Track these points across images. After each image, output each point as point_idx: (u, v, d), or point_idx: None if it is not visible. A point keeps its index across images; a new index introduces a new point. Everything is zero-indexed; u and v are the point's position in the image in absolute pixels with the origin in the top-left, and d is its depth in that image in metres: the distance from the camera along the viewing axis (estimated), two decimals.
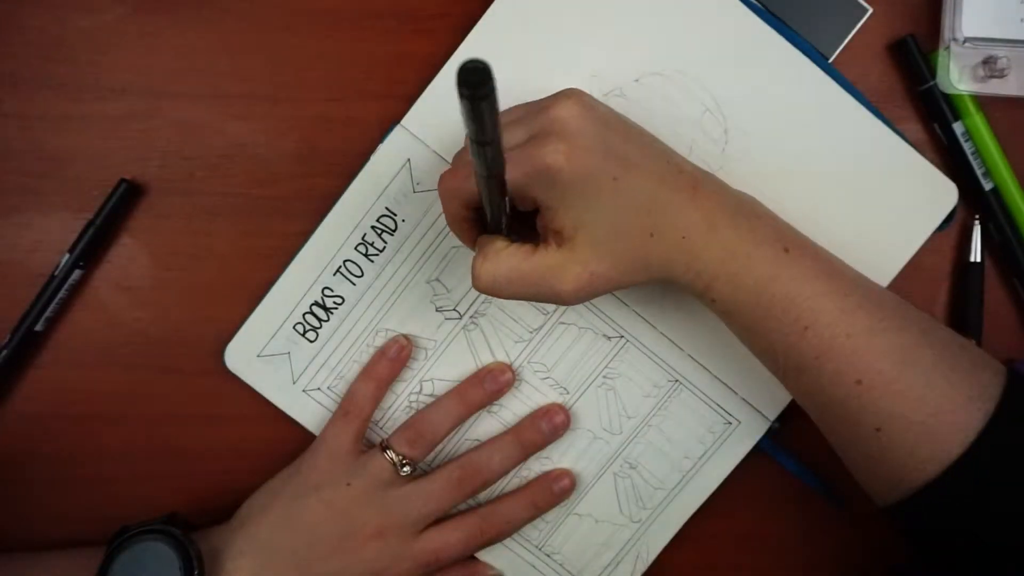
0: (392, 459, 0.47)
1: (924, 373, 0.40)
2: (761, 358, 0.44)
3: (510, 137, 0.40)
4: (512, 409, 0.50)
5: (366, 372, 0.49)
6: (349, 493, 0.47)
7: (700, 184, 0.42)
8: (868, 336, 0.41)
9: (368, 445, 0.49)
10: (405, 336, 0.49)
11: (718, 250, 0.41)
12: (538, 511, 0.50)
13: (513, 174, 0.38)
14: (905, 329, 0.41)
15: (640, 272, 0.42)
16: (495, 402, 0.50)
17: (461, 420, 0.49)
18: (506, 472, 0.49)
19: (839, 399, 0.41)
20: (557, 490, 0.50)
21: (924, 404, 0.40)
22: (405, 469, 0.47)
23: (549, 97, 0.41)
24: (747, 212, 0.43)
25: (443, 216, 0.48)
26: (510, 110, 0.43)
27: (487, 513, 0.49)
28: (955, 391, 0.40)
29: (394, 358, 0.49)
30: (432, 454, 0.49)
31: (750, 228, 0.42)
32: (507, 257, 0.41)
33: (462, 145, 0.46)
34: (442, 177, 0.42)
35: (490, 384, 0.49)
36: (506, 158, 0.35)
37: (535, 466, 0.51)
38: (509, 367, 0.50)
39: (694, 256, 0.41)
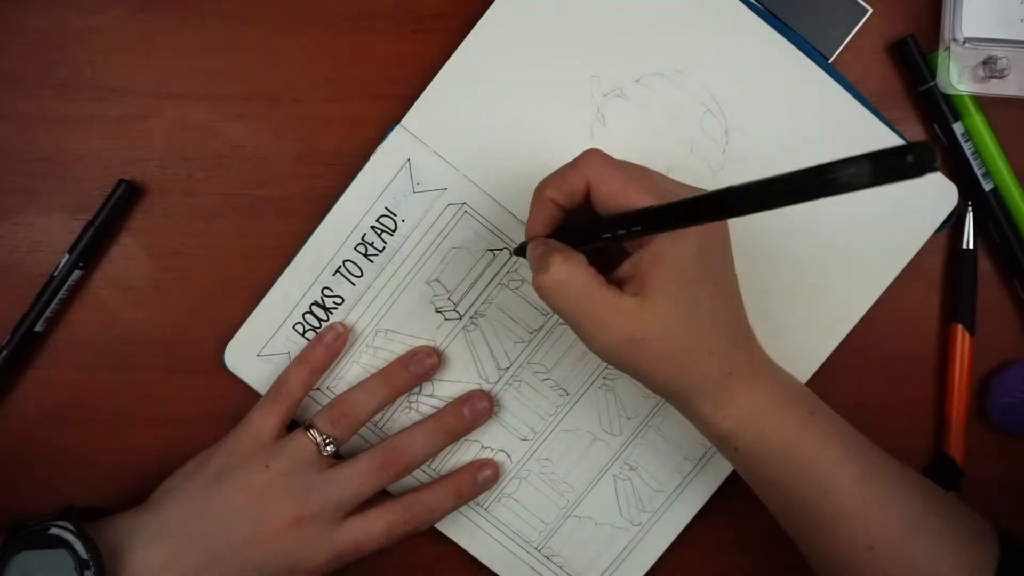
0: (315, 438, 0.47)
1: (932, 542, 0.42)
2: (775, 509, 0.45)
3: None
4: (512, 411, 0.50)
5: (301, 357, 0.49)
6: (267, 476, 0.46)
7: (752, 337, 0.44)
8: (881, 504, 0.42)
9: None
10: (342, 324, 0.49)
11: (755, 400, 0.42)
12: (461, 500, 0.49)
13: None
14: (912, 498, 0.43)
15: (669, 383, 0.41)
16: (489, 415, 0.50)
17: (386, 402, 0.49)
18: (428, 458, 0.49)
19: (850, 561, 0.42)
20: (481, 479, 0.50)
21: (932, 573, 0.41)
22: (328, 448, 0.47)
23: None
24: (778, 371, 0.44)
25: (442, 217, 0.49)
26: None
27: (411, 501, 0.48)
28: (960, 559, 0.42)
29: (330, 344, 0.49)
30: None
31: (783, 387, 0.43)
32: (586, 274, 0.40)
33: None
34: (547, 184, 0.41)
35: (415, 367, 0.49)
36: (656, 190, 0.38)
37: (535, 467, 0.51)
38: (436, 351, 0.49)
39: (730, 398, 0.42)
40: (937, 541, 0.42)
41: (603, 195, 0.39)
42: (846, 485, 0.42)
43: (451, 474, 0.50)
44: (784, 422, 0.42)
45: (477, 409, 0.49)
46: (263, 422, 0.47)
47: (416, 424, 0.49)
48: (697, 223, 0.35)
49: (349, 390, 0.49)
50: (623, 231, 0.38)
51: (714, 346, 0.41)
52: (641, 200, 0.38)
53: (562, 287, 0.39)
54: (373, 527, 0.47)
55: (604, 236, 0.39)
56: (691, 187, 0.41)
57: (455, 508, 0.49)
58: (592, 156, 0.40)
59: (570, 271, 0.39)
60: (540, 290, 0.40)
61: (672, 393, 0.42)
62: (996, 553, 0.42)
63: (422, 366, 0.49)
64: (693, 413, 0.43)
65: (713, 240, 0.41)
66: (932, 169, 0.24)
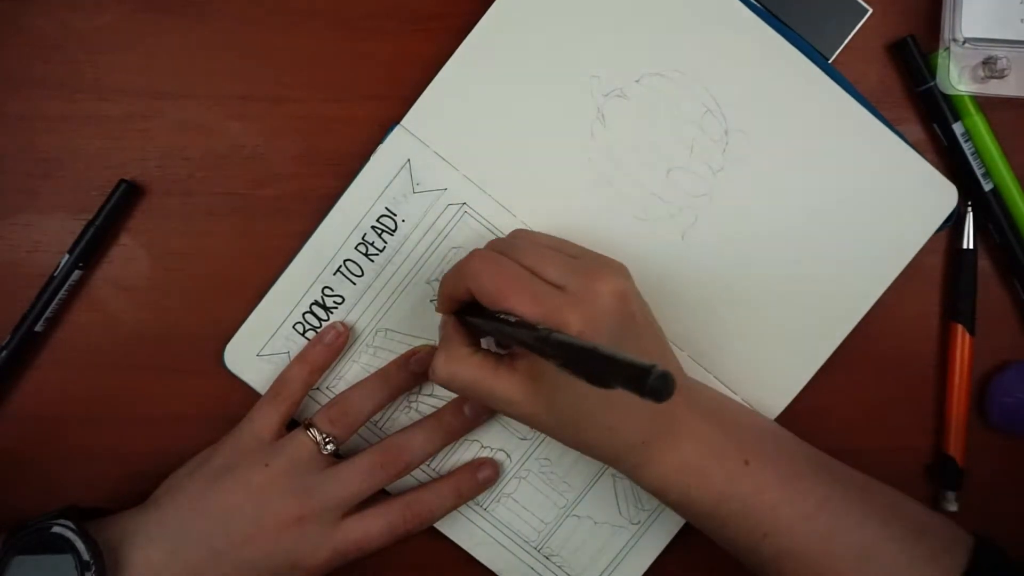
0: (314, 437, 0.47)
1: (884, 569, 0.42)
2: (724, 547, 0.45)
3: (546, 268, 0.41)
4: None
5: (301, 356, 0.49)
6: (267, 474, 0.46)
7: (681, 393, 0.43)
8: (826, 540, 0.43)
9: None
10: (343, 323, 0.49)
11: (678, 458, 0.43)
12: (461, 499, 0.49)
13: (532, 311, 0.39)
14: (866, 524, 0.43)
15: (583, 447, 0.43)
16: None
17: (385, 402, 0.49)
18: (428, 457, 0.49)
19: None
20: (480, 479, 0.50)
21: None
22: (328, 447, 0.47)
23: (599, 261, 0.43)
24: (717, 419, 0.44)
25: (442, 217, 0.49)
26: (560, 243, 0.45)
27: (410, 500, 0.48)
28: None
29: (330, 344, 0.49)
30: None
31: (711, 441, 0.43)
32: (468, 367, 0.42)
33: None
34: (445, 279, 0.44)
35: (415, 366, 0.49)
36: (532, 293, 0.39)
37: (535, 467, 0.51)
38: (435, 350, 0.49)
39: (649, 460, 0.42)
40: (892, 565, 0.42)
41: (484, 300, 0.40)
42: (786, 526, 0.43)
43: (451, 473, 0.50)
44: (710, 478, 0.43)
45: (477, 408, 0.49)
46: (263, 421, 0.47)
47: (416, 423, 0.49)
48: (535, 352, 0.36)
49: (349, 389, 0.49)
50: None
51: (616, 421, 0.41)
52: (518, 305, 0.39)
53: (450, 383, 0.43)
54: (373, 526, 0.47)
55: (499, 317, 0.40)
56: (572, 278, 0.40)
57: (455, 507, 0.49)
58: (472, 262, 0.41)
59: (453, 371, 0.42)
60: (434, 382, 0.43)
61: (591, 454, 0.44)
62: (963, 566, 0.42)
63: (422, 365, 0.49)
64: (618, 470, 0.44)
65: (614, 312, 0.40)
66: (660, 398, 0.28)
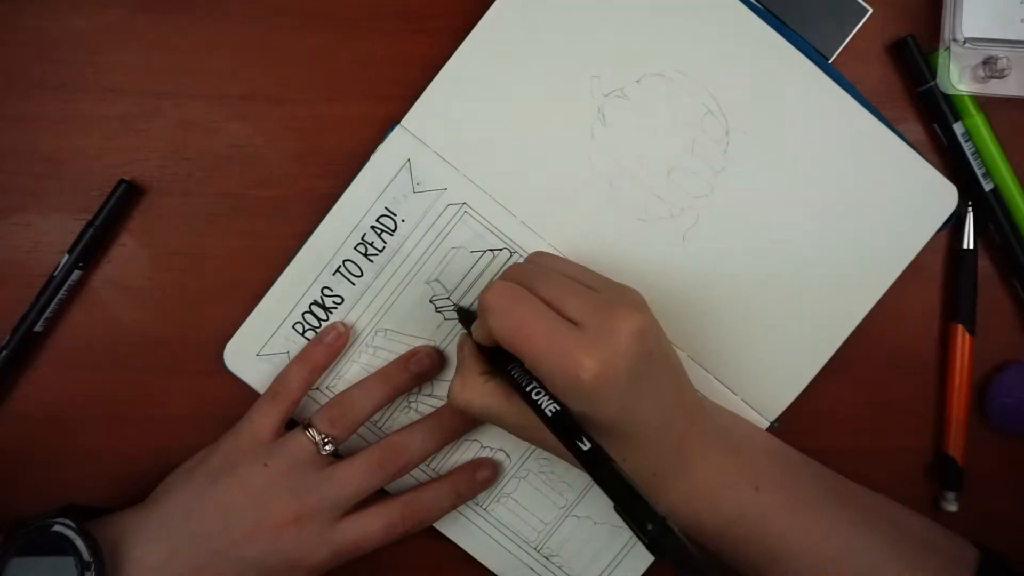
0: (313, 437, 0.47)
1: None
2: (730, 565, 0.46)
3: (566, 302, 0.40)
4: None
5: (301, 356, 0.49)
6: (266, 474, 0.46)
7: (694, 420, 0.44)
8: (835, 563, 0.43)
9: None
10: (343, 323, 0.49)
11: (686, 490, 0.43)
12: (460, 499, 0.49)
13: (544, 355, 0.39)
14: (873, 546, 0.44)
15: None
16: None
17: (385, 402, 0.49)
18: (427, 456, 0.49)
19: None
20: (479, 479, 0.50)
21: None
22: (327, 447, 0.47)
23: (618, 296, 0.42)
24: (728, 445, 0.45)
25: (442, 217, 0.49)
26: (581, 272, 0.44)
27: (409, 500, 0.48)
28: None
29: (330, 344, 0.49)
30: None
31: (722, 469, 0.44)
32: (483, 394, 0.43)
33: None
34: (465, 340, 0.45)
35: (415, 366, 0.49)
36: (549, 331, 0.39)
37: (534, 467, 0.51)
38: (436, 351, 0.49)
39: (658, 490, 0.43)
40: None
41: (499, 337, 0.40)
42: (795, 552, 0.43)
43: (450, 473, 0.50)
44: (720, 505, 0.43)
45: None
46: (262, 421, 0.47)
47: (415, 423, 0.49)
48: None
49: (348, 389, 0.49)
50: None
51: (628, 453, 0.41)
52: (533, 347, 0.39)
53: (468, 410, 0.43)
54: (372, 526, 0.47)
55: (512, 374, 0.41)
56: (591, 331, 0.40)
57: (453, 507, 0.50)
58: (490, 297, 0.41)
59: (469, 397, 0.43)
60: (452, 405, 0.44)
61: None
62: None
63: (422, 366, 0.49)
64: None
65: (632, 353, 0.40)
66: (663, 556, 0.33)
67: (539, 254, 0.47)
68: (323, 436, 0.47)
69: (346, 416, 0.47)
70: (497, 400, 0.42)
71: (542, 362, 0.39)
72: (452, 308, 0.49)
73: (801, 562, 0.43)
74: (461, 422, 0.49)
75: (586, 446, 0.37)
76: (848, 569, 0.43)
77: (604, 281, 0.43)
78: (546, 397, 0.39)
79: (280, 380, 0.48)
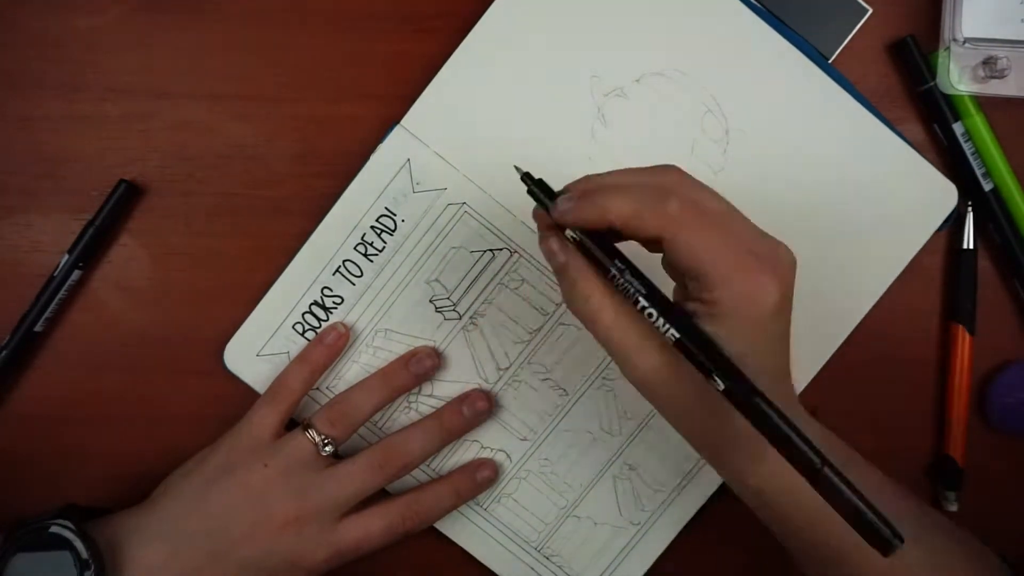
0: (313, 438, 0.46)
1: None
2: (792, 550, 0.43)
3: (739, 226, 0.36)
4: (511, 411, 0.50)
5: (301, 356, 0.49)
6: (266, 474, 0.46)
7: (791, 388, 0.41)
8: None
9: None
10: (344, 324, 0.49)
11: (779, 466, 0.37)
12: (460, 500, 0.49)
13: (732, 270, 0.34)
14: (927, 533, 0.42)
15: (695, 439, 0.40)
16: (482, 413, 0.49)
17: (385, 402, 0.48)
18: (427, 457, 0.49)
19: None
20: (479, 479, 0.50)
21: None
22: (327, 448, 0.46)
23: (770, 238, 0.37)
24: (814, 426, 0.42)
25: (442, 216, 0.49)
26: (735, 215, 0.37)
27: (410, 501, 0.48)
28: None
29: (331, 344, 0.49)
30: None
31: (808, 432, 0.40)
32: (609, 309, 0.36)
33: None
34: (629, 209, 0.35)
35: (415, 367, 0.49)
36: (738, 239, 0.35)
37: (535, 467, 0.51)
38: (435, 351, 0.49)
39: (760, 459, 0.39)
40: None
41: (686, 261, 0.35)
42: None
43: (450, 474, 0.50)
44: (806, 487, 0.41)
45: (476, 408, 0.49)
46: (262, 421, 0.47)
47: (415, 424, 0.49)
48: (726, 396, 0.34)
49: (348, 390, 0.49)
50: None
51: (746, 426, 0.37)
52: (725, 254, 0.34)
53: (593, 317, 0.37)
54: (372, 526, 0.47)
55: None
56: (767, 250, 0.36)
57: (454, 507, 0.50)
58: (682, 188, 0.35)
59: (597, 306, 0.36)
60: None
61: (692, 441, 0.41)
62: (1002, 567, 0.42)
63: (422, 366, 0.49)
64: (724, 467, 0.41)
65: (791, 288, 0.36)
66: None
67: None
68: (323, 437, 0.47)
69: (346, 416, 0.47)
70: (626, 320, 0.36)
71: (731, 280, 0.34)
72: (534, 182, 0.39)
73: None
74: (461, 422, 0.49)
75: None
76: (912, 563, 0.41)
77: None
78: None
79: (280, 381, 0.48)
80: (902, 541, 0.31)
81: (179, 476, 0.48)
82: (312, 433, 0.47)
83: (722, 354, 0.35)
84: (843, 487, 0.32)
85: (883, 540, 0.32)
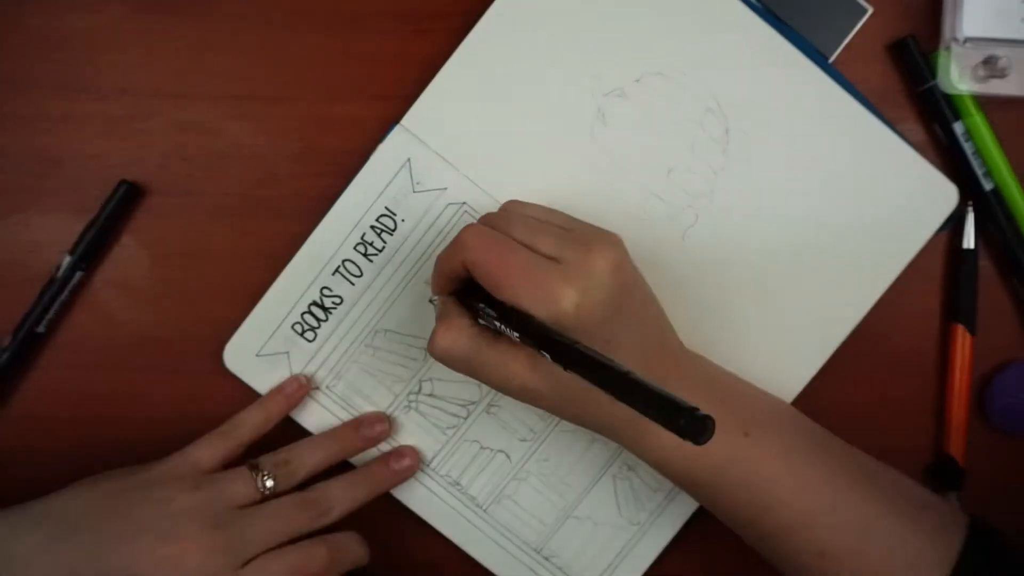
0: (254, 478, 0.46)
1: (886, 542, 0.42)
2: (724, 521, 0.45)
3: (539, 240, 0.41)
4: (511, 411, 0.50)
5: (260, 403, 0.49)
6: (191, 498, 0.44)
7: (680, 363, 0.44)
8: (829, 514, 0.43)
9: None
10: (306, 376, 0.49)
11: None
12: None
13: (523, 288, 0.39)
14: (869, 499, 0.43)
15: (582, 422, 0.44)
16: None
17: (333, 460, 0.48)
18: (350, 507, 0.47)
19: (802, 567, 0.43)
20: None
21: (887, 571, 0.42)
22: (268, 484, 0.46)
23: (593, 232, 0.43)
24: (713, 391, 0.44)
25: (442, 216, 0.49)
26: (553, 213, 0.45)
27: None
28: (918, 556, 0.42)
29: (290, 395, 0.49)
30: None
31: (711, 411, 0.42)
32: (469, 338, 0.42)
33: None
34: (440, 257, 0.43)
35: (366, 430, 0.49)
36: (526, 265, 0.39)
37: (534, 468, 0.51)
38: (385, 416, 0.50)
39: (645, 433, 0.42)
40: (892, 539, 0.42)
41: (478, 274, 0.40)
42: (786, 500, 0.43)
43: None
44: (707, 452, 0.41)
45: (403, 464, 0.49)
46: (204, 452, 0.47)
47: (343, 475, 0.48)
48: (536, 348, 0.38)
49: (299, 442, 0.48)
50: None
51: None
52: (513, 279, 0.39)
53: (450, 359, 0.42)
54: (270, 567, 0.44)
55: (503, 308, 0.40)
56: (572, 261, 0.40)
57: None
58: (466, 236, 0.41)
59: (452, 342, 0.41)
60: (435, 359, 0.42)
61: (588, 427, 0.44)
62: (959, 545, 0.42)
63: (372, 431, 0.49)
64: (617, 442, 0.44)
65: (610, 284, 0.40)
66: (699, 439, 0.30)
67: (512, 202, 0.48)
68: (264, 477, 0.46)
69: (289, 465, 0.47)
70: (483, 343, 0.41)
71: (521, 296, 0.39)
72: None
73: (793, 510, 0.42)
74: (390, 475, 0.49)
75: (587, 351, 0.35)
76: (842, 520, 0.42)
77: (577, 221, 0.44)
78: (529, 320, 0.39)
79: (235, 420, 0.48)
80: (705, 419, 0.30)
81: (81, 483, 0.46)
82: (255, 473, 0.46)
83: (547, 329, 0.38)
84: (646, 383, 0.32)
85: (684, 423, 0.31)
